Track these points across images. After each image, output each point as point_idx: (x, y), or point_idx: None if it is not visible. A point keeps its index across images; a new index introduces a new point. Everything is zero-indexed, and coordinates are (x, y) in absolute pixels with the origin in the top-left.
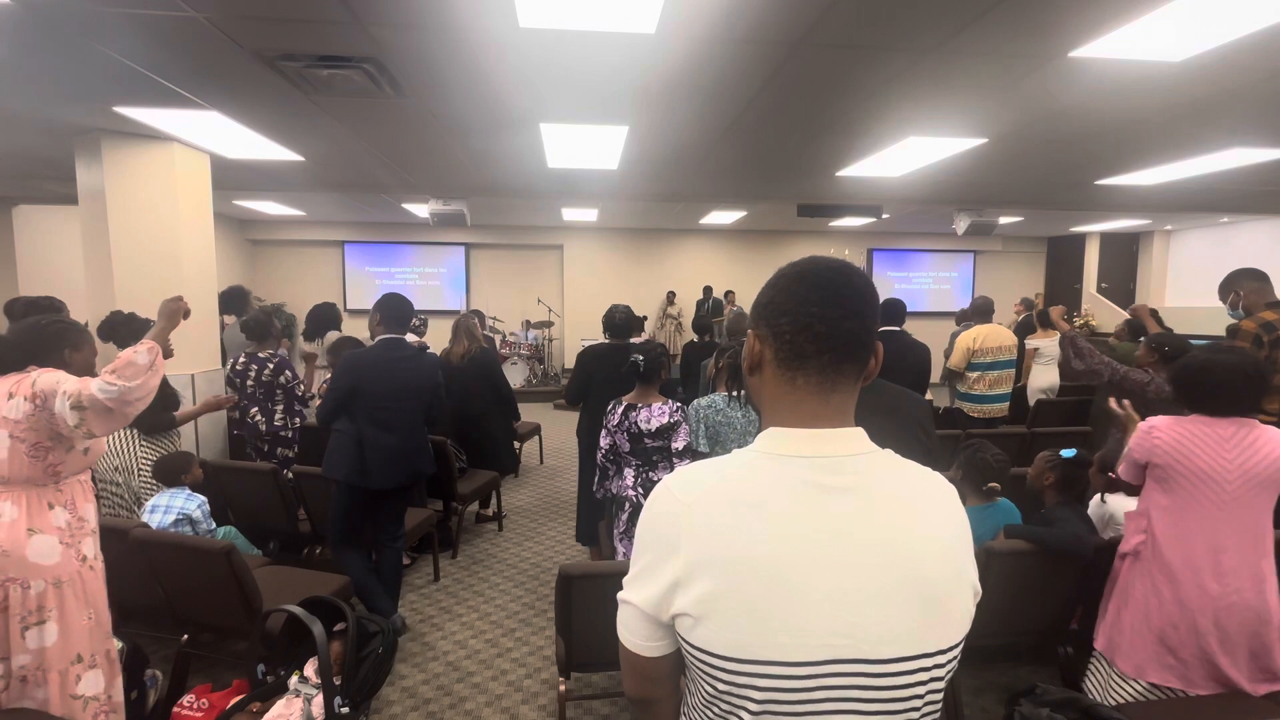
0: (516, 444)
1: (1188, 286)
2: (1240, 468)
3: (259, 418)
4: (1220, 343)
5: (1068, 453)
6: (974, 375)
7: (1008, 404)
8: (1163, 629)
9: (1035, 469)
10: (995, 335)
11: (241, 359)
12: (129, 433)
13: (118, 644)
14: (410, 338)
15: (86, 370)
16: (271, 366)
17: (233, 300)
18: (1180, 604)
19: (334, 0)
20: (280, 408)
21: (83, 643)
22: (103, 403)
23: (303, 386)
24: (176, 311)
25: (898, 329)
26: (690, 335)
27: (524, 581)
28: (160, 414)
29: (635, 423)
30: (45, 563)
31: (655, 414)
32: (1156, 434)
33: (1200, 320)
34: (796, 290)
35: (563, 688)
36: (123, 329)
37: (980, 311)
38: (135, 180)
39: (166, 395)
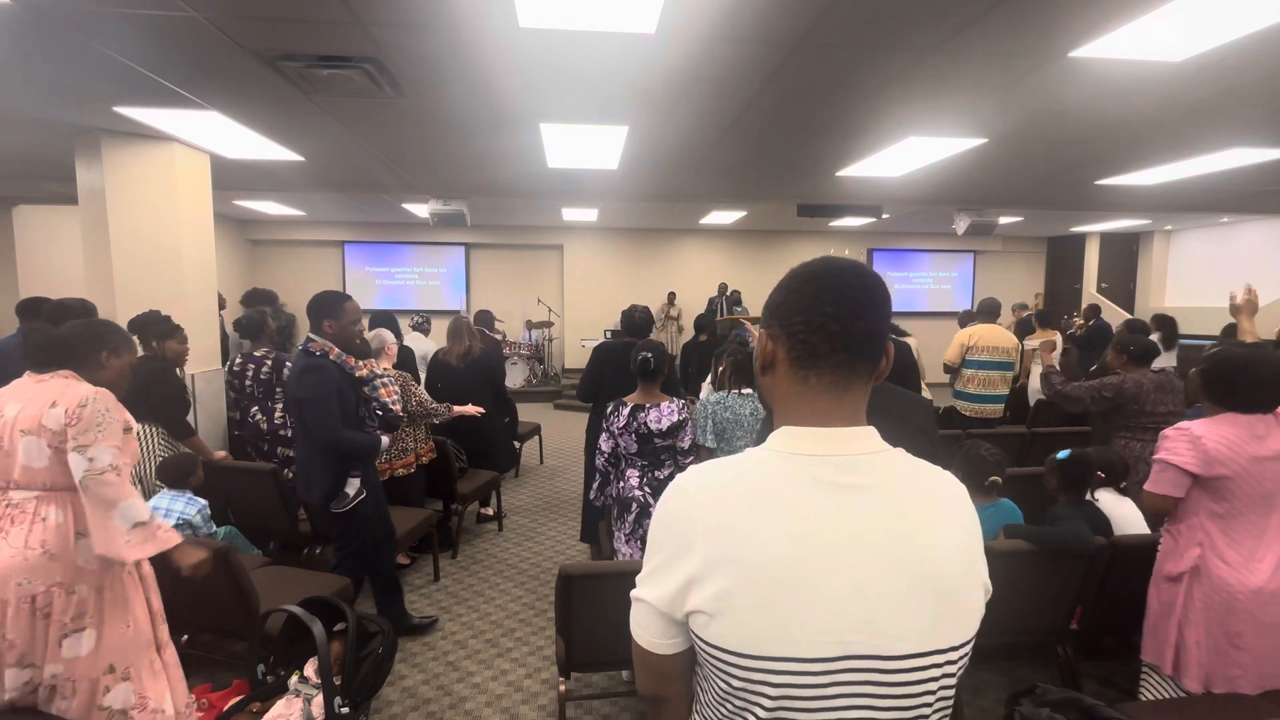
0: (516, 443)
1: (1188, 286)
2: (1277, 459)
3: (259, 417)
4: (1230, 341)
5: (1062, 454)
6: (968, 373)
7: (1002, 405)
8: (1231, 637)
9: (1046, 475)
10: (992, 335)
11: (239, 359)
12: (151, 429)
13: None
14: (415, 335)
15: (122, 376)
16: (269, 365)
17: (260, 301)
18: (1245, 607)
19: (334, 0)
20: (280, 406)
21: (116, 652)
22: (97, 502)
23: None
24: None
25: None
26: (689, 335)
27: (524, 581)
28: (184, 423)
29: (645, 423)
30: (92, 566)
31: (665, 414)
32: (1206, 442)
33: (1201, 320)
34: (810, 290)
35: (563, 688)
36: (150, 328)
37: (985, 311)
38: (135, 180)
39: (184, 400)
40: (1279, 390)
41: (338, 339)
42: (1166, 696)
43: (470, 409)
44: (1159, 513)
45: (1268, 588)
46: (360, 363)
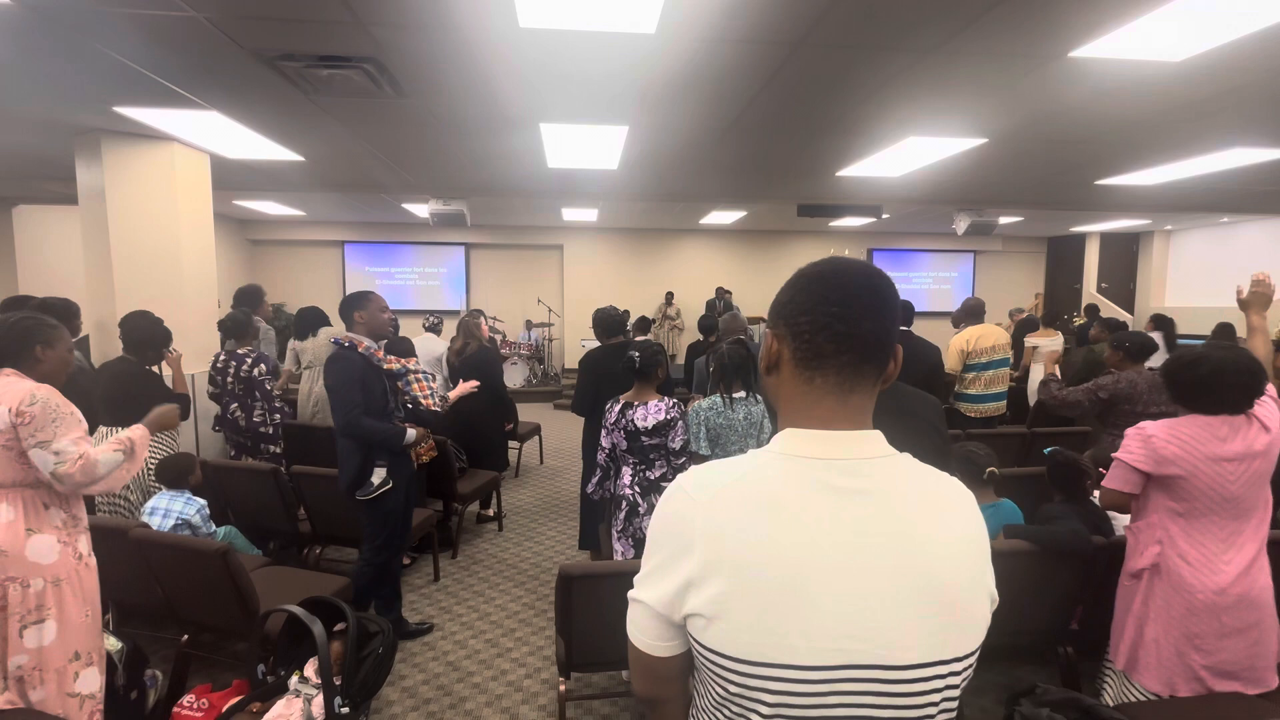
0: (515, 444)
1: (1188, 286)
2: (1241, 461)
3: (238, 414)
4: (1218, 342)
5: (1046, 451)
6: (969, 375)
7: (1004, 402)
8: (1190, 638)
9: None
10: (988, 335)
11: (222, 357)
12: None
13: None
14: (429, 335)
15: (62, 366)
16: (249, 362)
17: (247, 298)
18: (1206, 609)
19: (334, 0)
20: (259, 404)
21: (81, 640)
22: (83, 484)
23: (270, 383)
24: (169, 422)
25: (907, 329)
26: (690, 335)
27: (524, 581)
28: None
29: (631, 420)
30: (44, 561)
31: (651, 411)
32: (1156, 441)
33: (1201, 320)
34: (817, 290)
35: (563, 688)
36: (158, 340)
37: (971, 313)
38: (135, 180)
39: (165, 391)
40: (1233, 390)
41: (369, 329)
42: (1123, 695)
43: (465, 386)
44: (1115, 508)
45: (1231, 590)
46: (390, 356)
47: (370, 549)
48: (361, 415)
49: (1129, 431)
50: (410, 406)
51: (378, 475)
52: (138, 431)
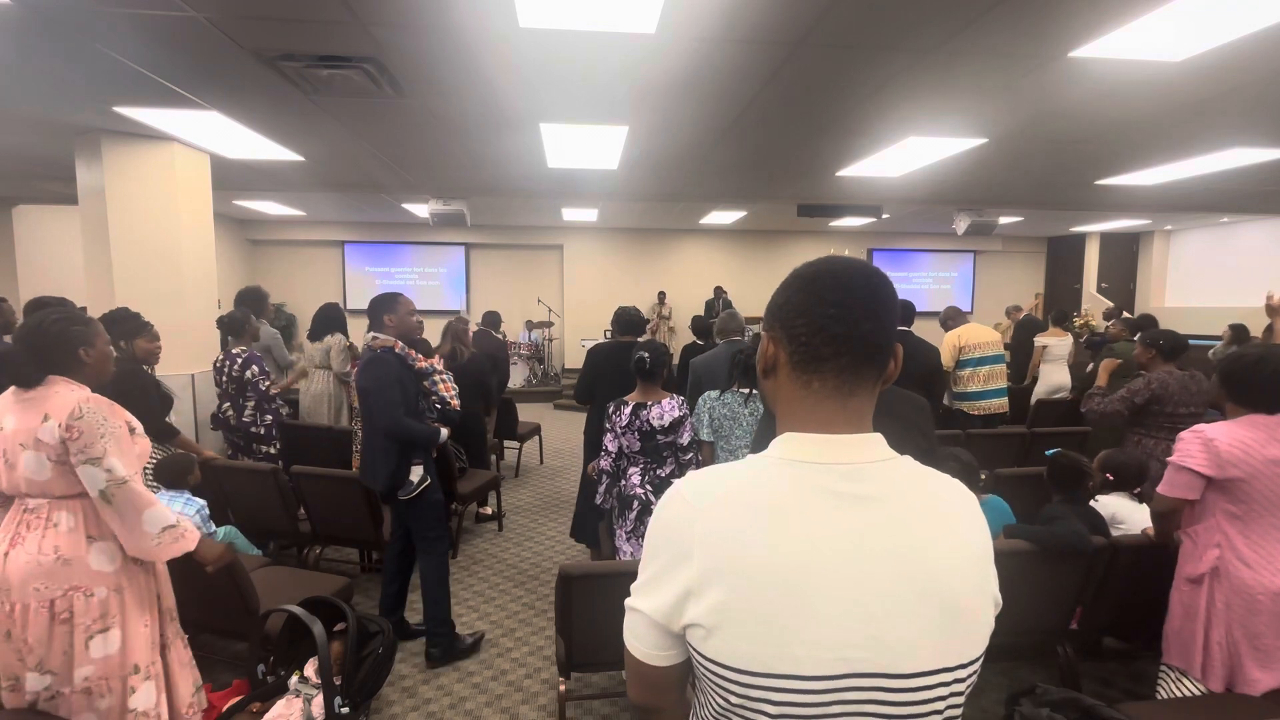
0: (515, 444)
1: (1188, 286)
2: None
3: (229, 412)
4: (1256, 341)
5: (1050, 452)
6: (965, 373)
7: (1005, 399)
8: (1253, 638)
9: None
10: (979, 332)
11: (220, 356)
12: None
13: (184, 650)
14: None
15: (107, 360)
16: (240, 361)
17: (250, 301)
18: (1266, 611)
19: (334, 0)
20: (251, 404)
21: (141, 651)
22: (128, 516)
23: (266, 383)
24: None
25: (906, 329)
26: (682, 335)
27: (524, 581)
28: (162, 423)
29: (647, 420)
30: (106, 569)
31: (666, 410)
32: (1219, 444)
33: (1201, 320)
34: (813, 290)
35: (563, 688)
36: (119, 326)
37: (957, 316)
38: (135, 180)
39: (164, 398)
40: None
41: (398, 331)
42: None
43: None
44: (1168, 514)
45: None
46: (419, 356)
47: (425, 543)
48: (403, 416)
49: (1184, 435)
50: (438, 406)
51: (415, 473)
52: (193, 533)
